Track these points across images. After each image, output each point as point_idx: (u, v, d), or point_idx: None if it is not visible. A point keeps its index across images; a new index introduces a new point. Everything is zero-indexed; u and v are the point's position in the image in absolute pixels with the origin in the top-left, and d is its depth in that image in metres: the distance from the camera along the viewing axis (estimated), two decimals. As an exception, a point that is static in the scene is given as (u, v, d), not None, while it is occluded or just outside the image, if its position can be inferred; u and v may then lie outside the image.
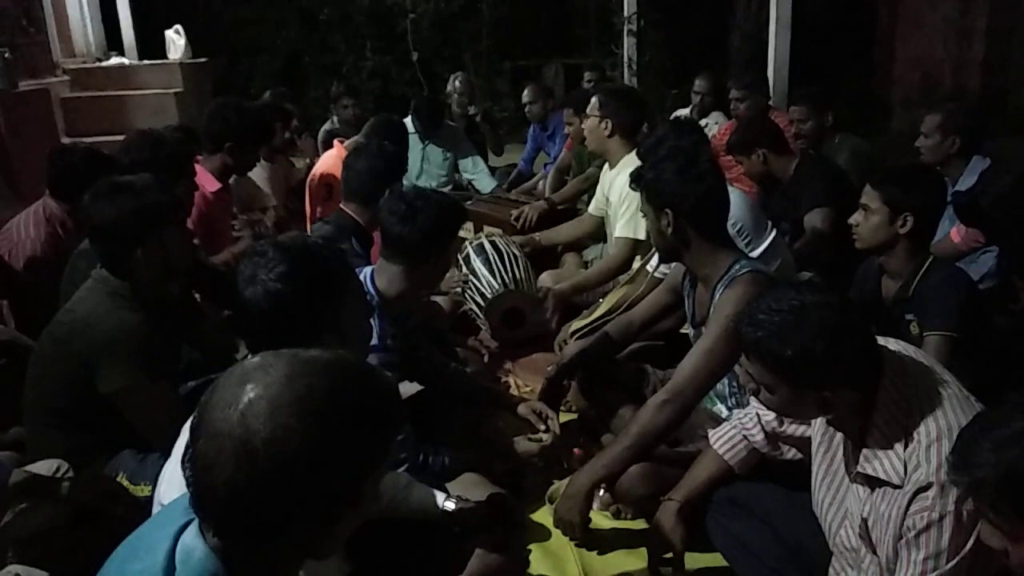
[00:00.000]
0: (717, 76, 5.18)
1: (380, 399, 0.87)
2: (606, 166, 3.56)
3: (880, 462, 1.47)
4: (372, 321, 1.96)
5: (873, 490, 1.51)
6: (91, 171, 2.58)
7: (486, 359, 3.23)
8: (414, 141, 4.96)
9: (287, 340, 1.45)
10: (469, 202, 4.49)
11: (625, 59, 6.99)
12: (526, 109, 5.63)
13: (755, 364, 1.50)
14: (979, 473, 1.02)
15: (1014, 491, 1.00)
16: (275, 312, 1.46)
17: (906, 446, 1.43)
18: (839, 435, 1.62)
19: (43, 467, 1.97)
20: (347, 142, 4.12)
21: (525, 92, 5.63)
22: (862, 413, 1.48)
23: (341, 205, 2.90)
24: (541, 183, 5.18)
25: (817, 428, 1.70)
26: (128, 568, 0.87)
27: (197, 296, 2.90)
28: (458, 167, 5.33)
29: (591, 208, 3.75)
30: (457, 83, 5.87)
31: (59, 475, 1.96)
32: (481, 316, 3.32)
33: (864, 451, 1.49)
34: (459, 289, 3.34)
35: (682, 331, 2.66)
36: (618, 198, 3.29)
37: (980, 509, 1.08)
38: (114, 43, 6.75)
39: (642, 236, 3.14)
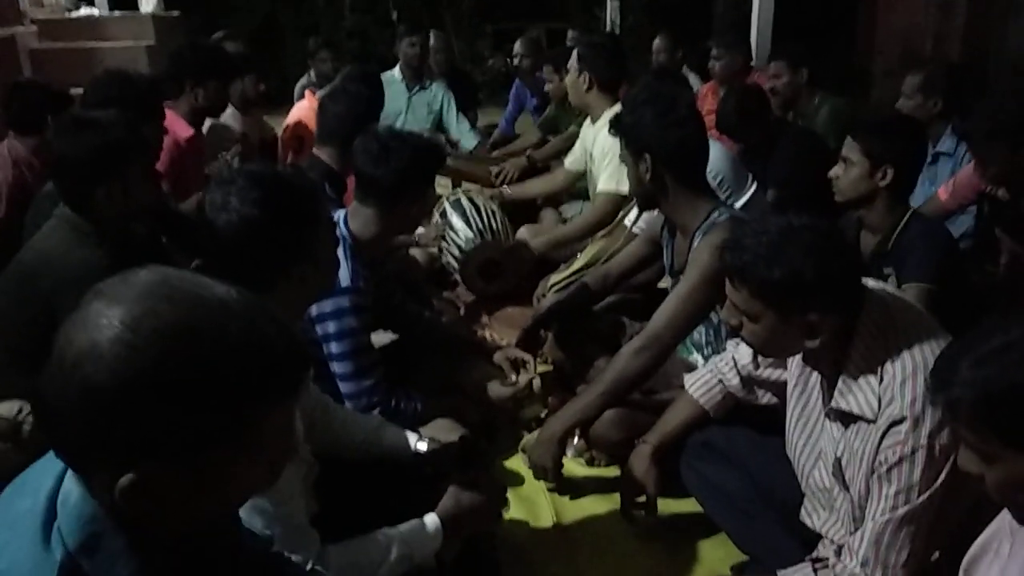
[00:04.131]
0: (675, 35, 5.06)
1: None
2: (587, 121, 3.51)
3: (855, 396, 1.46)
4: (345, 261, 1.92)
5: (847, 427, 1.50)
6: (52, 104, 2.50)
7: (462, 312, 3.20)
8: (401, 90, 4.90)
9: (259, 269, 1.42)
10: (448, 157, 4.41)
11: (608, 23, 6.93)
12: (516, 61, 5.53)
13: (741, 290, 1.47)
14: (956, 392, 1.00)
15: (991, 408, 0.98)
16: (250, 239, 1.40)
17: (881, 380, 1.42)
18: (815, 375, 1.61)
19: (4, 409, 1.92)
20: (318, 93, 4.03)
21: (516, 44, 5.51)
22: (841, 346, 1.47)
23: (314, 150, 2.84)
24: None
25: (792, 370, 1.69)
26: (17, 504, 0.82)
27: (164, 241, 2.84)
28: (442, 125, 5.23)
29: (567, 162, 3.69)
30: (432, 41, 5.77)
31: (20, 417, 1.91)
32: (457, 269, 3.28)
33: (839, 386, 1.48)
34: (436, 242, 3.30)
35: (660, 285, 2.64)
36: (600, 152, 3.24)
37: (957, 430, 1.06)
38: (84, -7, 6.55)
39: (625, 191, 3.07)
